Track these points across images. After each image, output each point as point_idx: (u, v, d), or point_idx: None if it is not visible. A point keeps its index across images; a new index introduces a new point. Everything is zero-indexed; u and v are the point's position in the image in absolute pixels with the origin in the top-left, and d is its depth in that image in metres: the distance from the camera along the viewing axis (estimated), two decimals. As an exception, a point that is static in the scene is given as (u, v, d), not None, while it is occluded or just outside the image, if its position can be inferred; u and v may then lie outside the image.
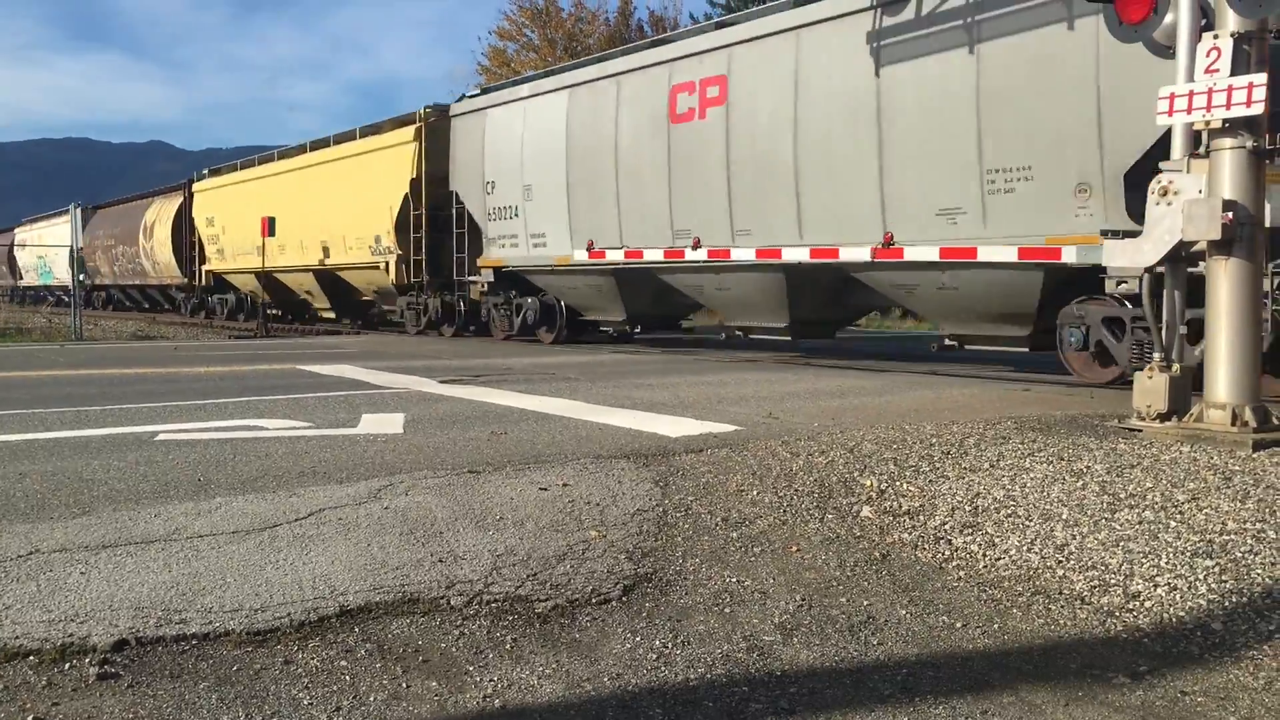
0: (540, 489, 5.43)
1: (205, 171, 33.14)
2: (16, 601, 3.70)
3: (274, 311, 28.48)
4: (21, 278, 51.49)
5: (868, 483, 5.60)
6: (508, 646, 3.59)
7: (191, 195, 32.73)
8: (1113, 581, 4.22)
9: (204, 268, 32.20)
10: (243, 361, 14.53)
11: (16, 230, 54.04)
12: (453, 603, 3.92)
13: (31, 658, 3.32)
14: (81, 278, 28.29)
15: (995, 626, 3.91)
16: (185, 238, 33.52)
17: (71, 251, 25.96)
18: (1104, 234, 7.73)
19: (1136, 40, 6.75)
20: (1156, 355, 6.88)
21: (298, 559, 4.24)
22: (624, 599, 4.06)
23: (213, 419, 7.92)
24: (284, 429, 7.42)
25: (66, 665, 3.29)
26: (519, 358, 15.06)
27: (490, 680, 3.32)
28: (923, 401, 9.17)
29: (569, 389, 10.22)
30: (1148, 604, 4.03)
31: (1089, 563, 4.40)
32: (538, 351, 16.67)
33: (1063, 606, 4.09)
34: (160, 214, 35.60)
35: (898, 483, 5.57)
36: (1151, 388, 6.68)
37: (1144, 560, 4.33)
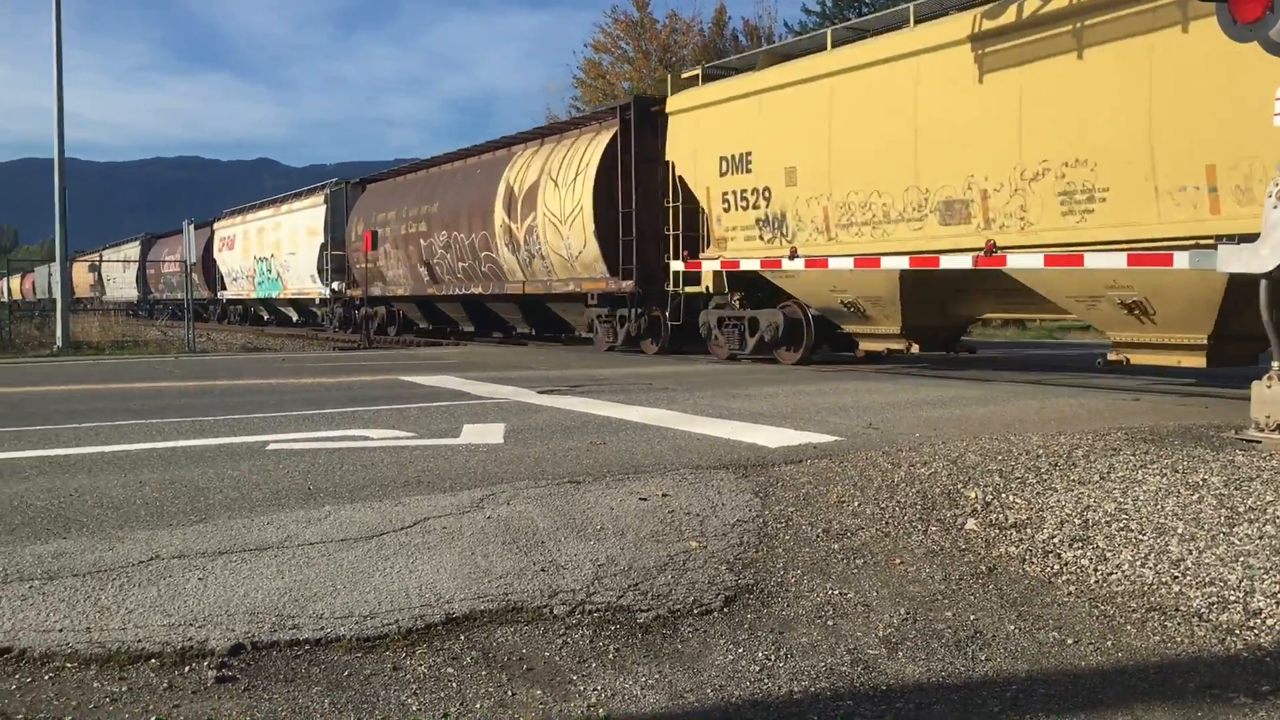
0: (640, 499, 5.45)
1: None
2: (139, 605, 3.84)
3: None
4: (225, 288, 42.84)
5: (972, 495, 5.50)
6: (610, 656, 3.61)
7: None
8: (1232, 598, 4.08)
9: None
10: (347, 373, 14.87)
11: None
12: (556, 612, 3.95)
13: (153, 660, 3.44)
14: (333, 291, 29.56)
15: (1109, 643, 3.81)
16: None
17: (185, 265, 26.86)
18: (1219, 240, 7.48)
19: (1252, 39, 6.53)
20: (1275, 364, 6.63)
21: (404, 567, 4.33)
22: (725, 610, 4.05)
23: (320, 429, 8.12)
24: (388, 439, 7.57)
25: (186, 668, 3.40)
26: (615, 368, 15.13)
27: (594, 689, 3.34)
28: (1027, 412, 8.97)
29: (666, 399, 10.24)
30: (1270, 622, 3.89)
31: (1206, 579, 4.25)
32: (633, 362, 16.73)
33: (1179, 624, 3.97)
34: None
35: (1003, 495, 5.46)
36: (1271, 398, 6.45)
37: (1265, 576, 4.17)
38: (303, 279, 33.45)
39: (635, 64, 42.68)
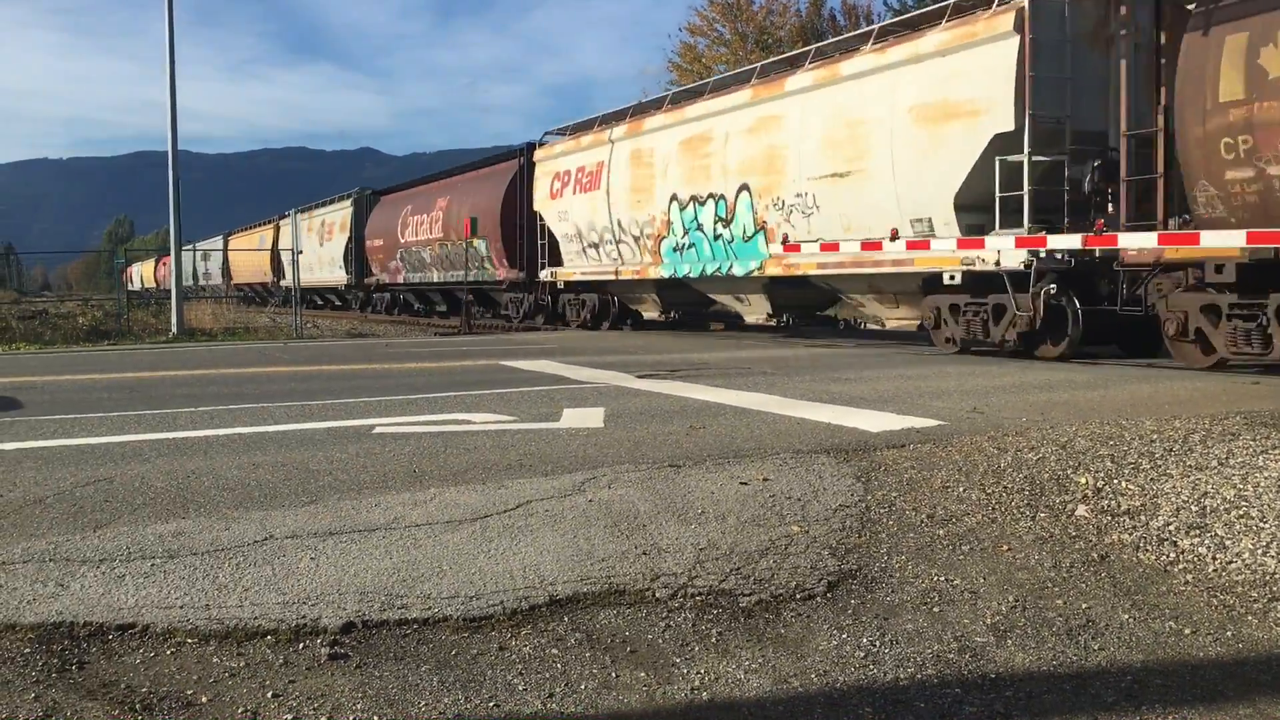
0: (740, 483, 5.44)
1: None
2: (254, 584, 3.96)
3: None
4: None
5: (1082, 480, 5.36)
6: (713, 640, 3.61)
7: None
8: (1362, 589, 3.91)
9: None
10: (449, 358, 15.11)
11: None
12: (658, 595, 3.97)
13: (269, 637, 3.54)
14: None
15: (1228, 634, 3.68)
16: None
17: (293, 254, 27.56)
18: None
19: None
20: None
21: (508, 549, 4.38)
22: (829, 595, 4.02)
23: (423, 413, 8.27)
24: (490, 422, 7.67)
25: (300, 645, 3.49)
26: (713, 353, 15.11)
27: (697, 673, 3.34)
28: (1139, 396, 8.71)
29: (765, 383, 10.19)
30: (1404, 615, 3.72)
31: (1334, 568, 4.08)
32: (732, 346, 16.68)
33: (1304, 615, 3.82)
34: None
35: (1115, 481, 5.31)
36: (1406, 380, 6.06)
37: (1398, 567, 3.99)
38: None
39: (732, 46, 42.38)
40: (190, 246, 66.50)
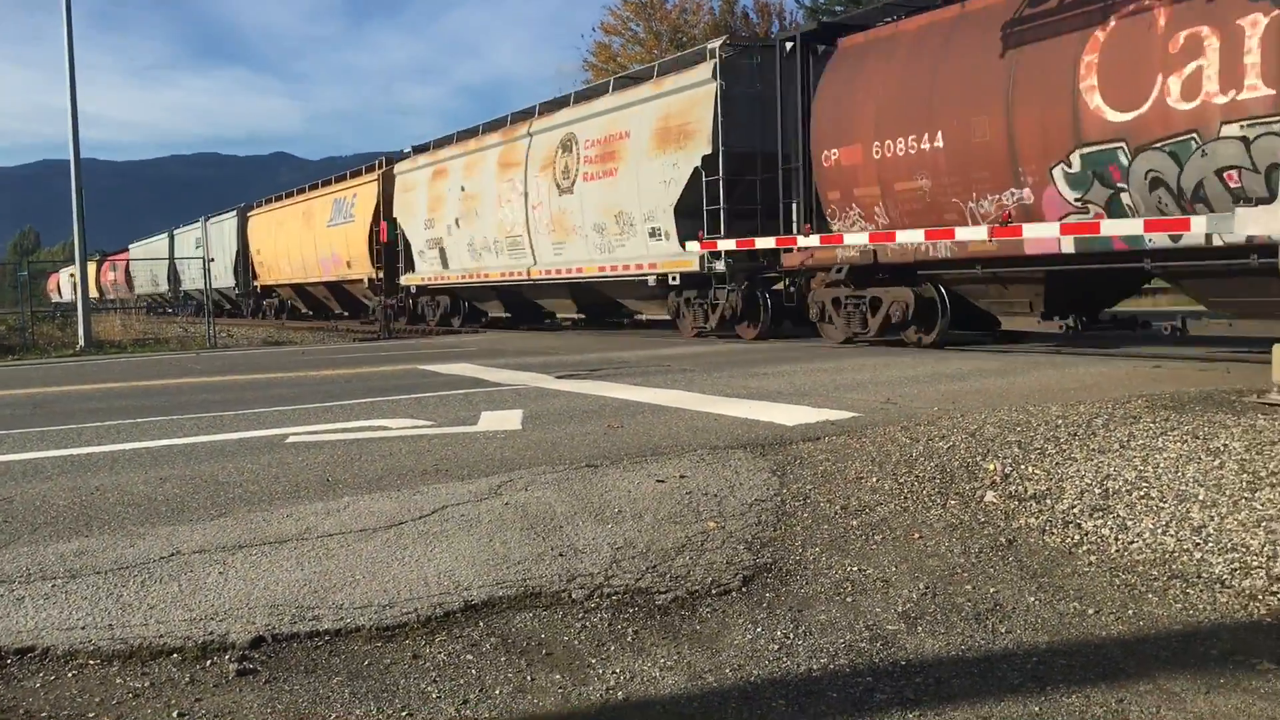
0: (657, 481, 5.45)
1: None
2: (160, 601, 3.87)
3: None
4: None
5: (991, 467, 5.47)
6: (629, 639, 3.61)
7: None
8: (1254, 563, 4.04)
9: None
10: (366, 364, 14.92)
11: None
12: (574, 596, 3.96)
13: (175, 655, 3.46)
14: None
15: (1130, 612, 3.78)
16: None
17: (204, 262, 27.02)
18: (1237, 200, 7.39)
19: None
20: (1299, 326, 6.51)
21: (423, 556, 4.34)
22: (744, 589, 4.05)
23: (339, 420, 8.15)
24: (407, 428, 7.59)
25: (208, 662, 3.42)
26: (634, 350, 15.13)
27: (613, 672, 3.34)
28: (1047, 382, 8.92)
29: (684, 380, 10.23)
30: (1294, 587, 3.85)
31: (1229, 545, 4.22)
32: (651, 345, 16.72)
33: (1201, 591, 3.94)
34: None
35: (1023, 466, 5.43)
36: (1293, 360, 6.37)
37: (1289, 541, 4.13)
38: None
39: (646, 45, 42.47)
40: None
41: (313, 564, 4.25)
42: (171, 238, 51.24)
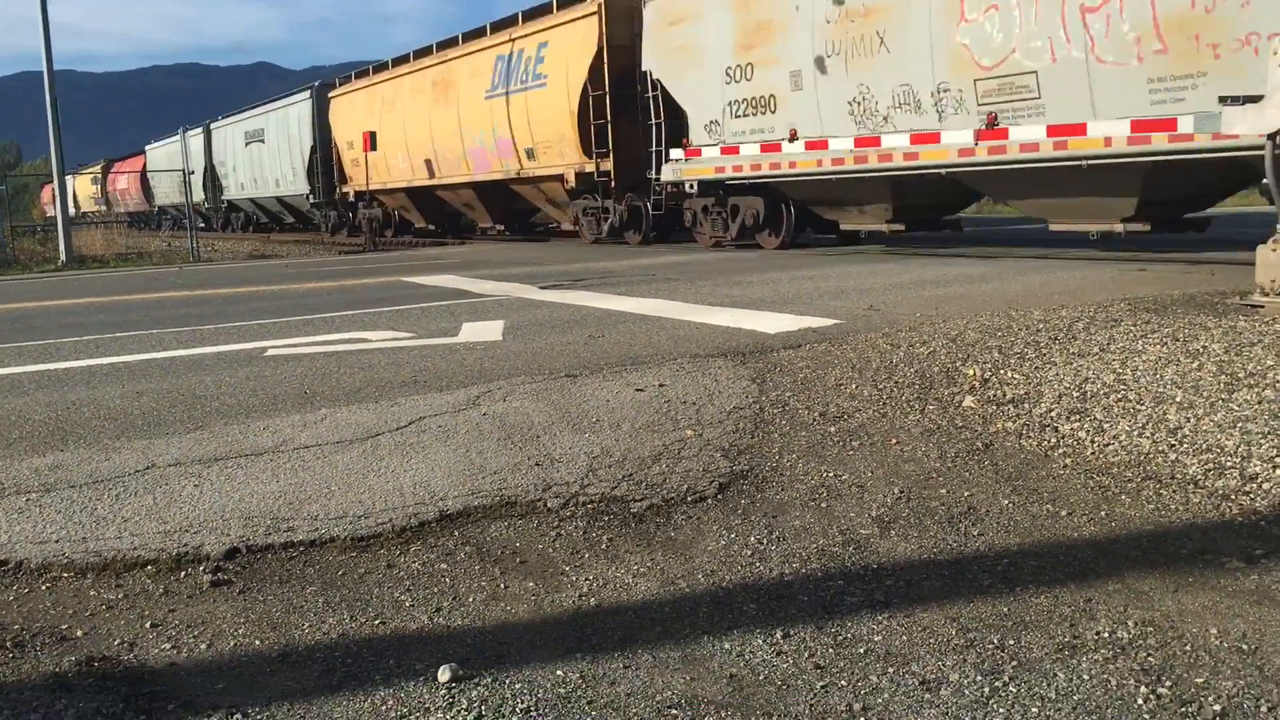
0: (636, 390, 5.43)
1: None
2: (134, 514, 3.86)
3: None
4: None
5: (970, 372, 5.46)
6: (603, 546, 3.62)
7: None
8: (1229, 464, 4.05)
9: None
10: (350, 276, 14.81)
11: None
12: (549, 505, 3.96)
13: (149, 567, 3.47)
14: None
15: (1102, 514, 3.80)
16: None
17: (184, 175, 26.68)
18: (1222, 100, 7.28)
19: None
20: (1280, 227, 6.46)
21: (399, 466, 4.33)
22: (719, 497, 4.05)
23: (319, 333, 8.10)
24: (387, 340, 7.55)
25: (182, 573, 3.42)
26: (619, 260, 15.04)
27: (586, 580, 3.35)
28: (1031, 287, 8.89)
29: (668, 289, 10.17)
30: (1266, 486, 3.86)
31: (1204, 445, 4.23)
32: (637, 254, 16.62)
33: (1174, 491, 3.95)
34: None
35: (1002, 371, 5.42)
36: (1275, 261, 6.35)
37: (1263, 441, 4.14)
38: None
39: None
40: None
41: (288, 476, 4.24)
42: (208, 133, 42.70)
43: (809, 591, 3.21)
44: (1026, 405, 4.94)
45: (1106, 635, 2.81)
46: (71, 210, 61.86)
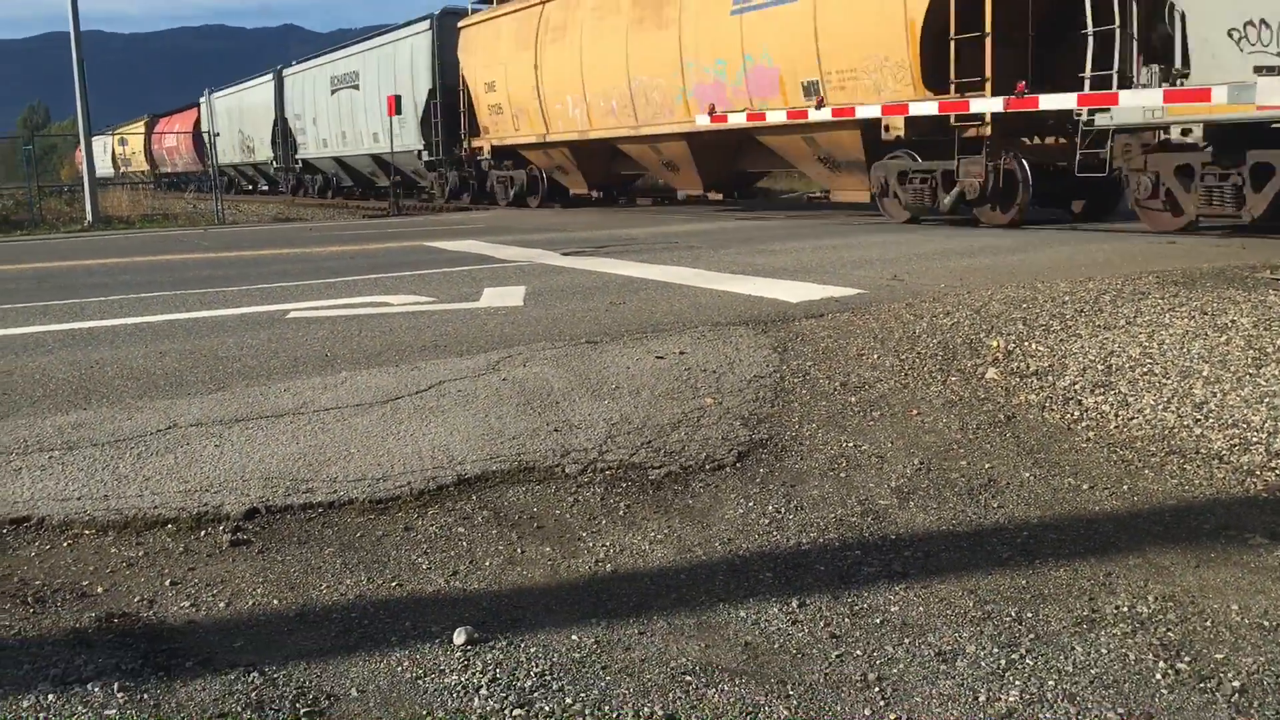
0: (657, 357, 5.41)
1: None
2: (155, 473, 3.89)
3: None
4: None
5: (994, 343, 5.41)
6: (620, 513, 3.62)
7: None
8: (1254, 439, 4.01)
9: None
10: (373, 240, 14.83)
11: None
12: (567, 470, 3.96)
13: (169, 525, 3.49)
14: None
15: (1125, 488, 3.76)
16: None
17: (209, 136, 26.71)
18: (1258, 70, 7.15)
19: None
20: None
21: (418, 430, 4.34)
22: (738, 465, 4.04)
23: (341, 296, 8.12)
24: (408, 304, 7.55)
25: (202, 533, 3.45)
26: (642, 228, 14.98)
27: (603, 545, 3.35)
28: (1059, 259, 8.79)
29: (690, 257, 10.13)
30: (1292, 463, 3.82)
31: (1229, 420, 4.18)
32: (665, 221, 16.54)
33: (1199, 466, 3.91)
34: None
35: (1026, 343, 5.37)
36: (1312, 236, 6.16)
37: (1290, 418, 4.09)
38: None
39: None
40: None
41: (308, 438, 4.25)
42: (279, 80, 36.15)
43: (826, 561, 3.20)
44: (1050, 378, 4.90)
45: (1126, 610, 2.79)
46: (110, 171, 59.60)
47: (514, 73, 21.68)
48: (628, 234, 13.77)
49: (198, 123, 46.41)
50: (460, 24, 23.97)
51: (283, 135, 36.00)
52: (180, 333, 6.62)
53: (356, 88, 29.45)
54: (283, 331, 6.53)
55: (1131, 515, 3.54)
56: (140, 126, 57.34)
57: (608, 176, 21.91)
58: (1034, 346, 5.31)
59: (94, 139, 26.23)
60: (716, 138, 17.28)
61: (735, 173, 19.19)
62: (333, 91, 31.06)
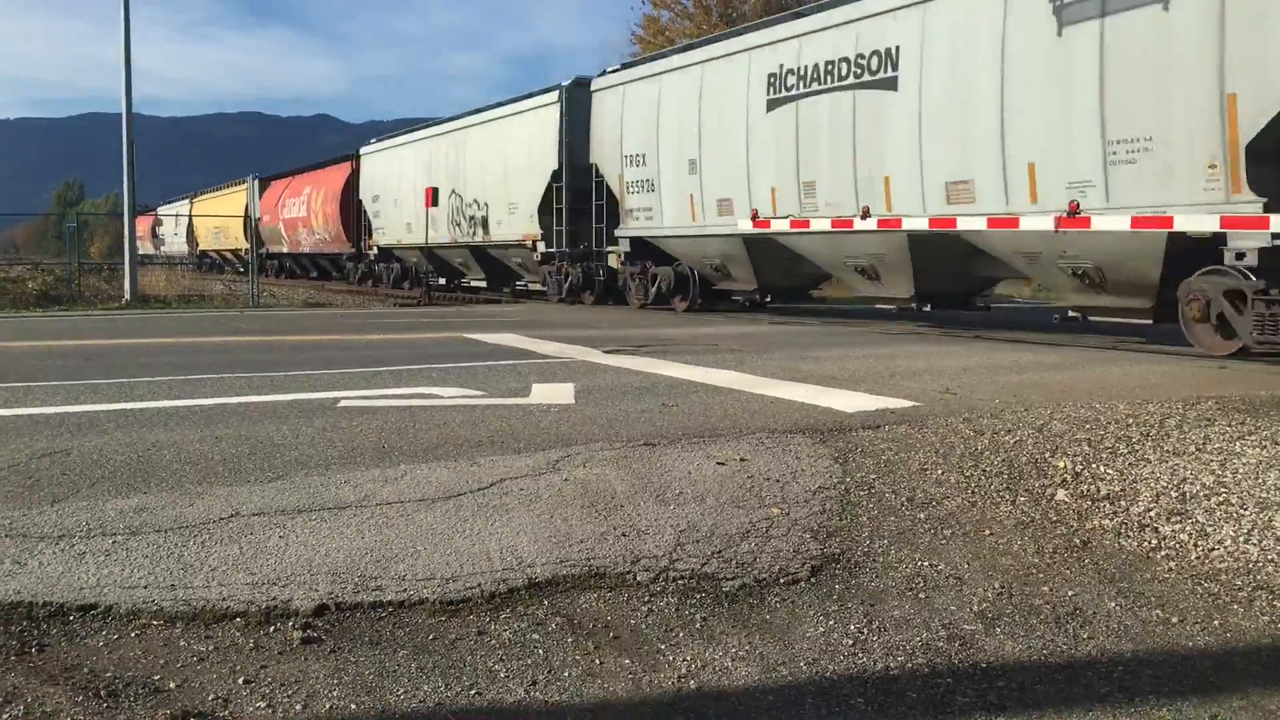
0: (717, 463, 5.35)
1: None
2: (221, 563, 3.82)
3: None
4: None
5: (1061, 464, 5.33)
6: (698, 625, 3.53)
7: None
8: (1346, 579, 3.90)
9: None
10: (409, 330, 14.89)
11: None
12: (639, 578, 3.88)
13: (239, 619, 3.41)
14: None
15: (1215, 623, 3.65)
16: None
17: (247, 221, 27.10)
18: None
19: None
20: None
21: (484, 529, 4.27)
22: (813, 580, 3.95)
23: (389, 386, 8.10)
24: (458, 397, 7.53)
25: (271, 628, 3.37)
26: (678, 329, 15.01)
27: (684, 660, 3.26)
28: (1109, 379, 8.72)
29: (734, 360, 10.11)
30: (1388, 605, 3.70)
31: (1316, 557, 4.07)
32: (695, 323, 16.59)
33: (1289, 604, 3.79)
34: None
35: (1094, 465, 5.28)
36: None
37: (1380, 556, 3.98)
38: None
39: (695, 19, 42.02)
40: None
41: (373, 532, 4.19)
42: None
43: (917, 688, 3.10)
44: (1123, 503, 4.80)
45: (1244, 757, 2.67)
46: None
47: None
48: (664, 334, 13.78)
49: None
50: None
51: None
52: (233, 417, 6.60)
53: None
54: (336, 420, 6.50)
55: (1227, 653, 3.42)
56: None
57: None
58: (1102, 469, 5.22)
59: (164, 210, 27.22)
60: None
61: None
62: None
